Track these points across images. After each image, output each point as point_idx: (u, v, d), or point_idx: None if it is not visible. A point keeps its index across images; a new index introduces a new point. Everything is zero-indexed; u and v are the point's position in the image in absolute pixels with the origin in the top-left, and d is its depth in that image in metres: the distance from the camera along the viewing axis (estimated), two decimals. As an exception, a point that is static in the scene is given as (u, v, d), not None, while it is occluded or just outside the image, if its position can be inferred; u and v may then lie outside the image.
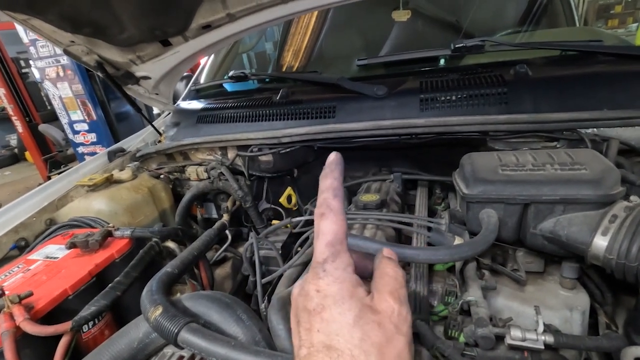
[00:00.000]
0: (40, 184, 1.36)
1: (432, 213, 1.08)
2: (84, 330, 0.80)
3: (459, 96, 1.09)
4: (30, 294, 0.75)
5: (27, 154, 6.15)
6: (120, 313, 0.92)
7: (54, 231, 1.13)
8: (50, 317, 0.78)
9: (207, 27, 1.13)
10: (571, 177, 0.70)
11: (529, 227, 0.75)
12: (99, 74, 1.31)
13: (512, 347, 0.63)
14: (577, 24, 1.96)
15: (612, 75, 1.02)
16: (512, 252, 0.86)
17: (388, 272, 0.42)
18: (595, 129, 0.95)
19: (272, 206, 1.48)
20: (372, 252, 0.71)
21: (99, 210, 1.22)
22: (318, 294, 0.37)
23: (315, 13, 1.88)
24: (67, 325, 0.72)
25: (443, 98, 1.11)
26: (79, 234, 0.98)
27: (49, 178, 4.90)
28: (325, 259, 0.38)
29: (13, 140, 7.63)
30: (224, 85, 1.71)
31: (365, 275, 0.44)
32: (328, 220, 0.39)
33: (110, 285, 0.84)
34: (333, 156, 0.44)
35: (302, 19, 1.90)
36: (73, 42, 1.20)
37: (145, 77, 1.39)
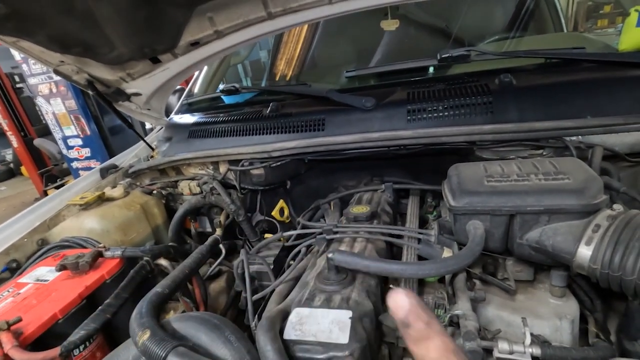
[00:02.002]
0: (36, 199, 1.36)
1: (423, 222, 1.08)
2: (75, 354, 0.80)
3: (446, 106, 1.10)
4: (19, 320, 0.74)
5: (23, 169, 6.12)
6: (112, 334, 0.91)
7: (44, 252, 1.12)
8: (40, 341, 0.77)
9: (195, 44, 1.14)
10: (555, 187, 0.71)
11: (515, 238, 0.76)
12: (90, 92, 1.31)
13: (501, 360, 0.63)
14: (565, 28, 1.98)
15: (595, 82, 1.03)
16: (502, 261, 0.86)
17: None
18: (580, 137, 0.96)
19: (266, 218, 1.48)
20: (361, 268, 0.71)
21: (91, 229, 1.21)
22: None
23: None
24: (55, 352, 0.71)
25: (430, 108, 1.12)
26: (69, 255, 0.98)
27: (45, 192, 4.88)
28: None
29: (8, 155, 7.60)
30: (220, 97, 1.72)
31: None
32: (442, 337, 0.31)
33: (100, 307, 0.84)
34: (406, 300, 0.33)
35: (293, 29, 1.92)
36: (63, 61, 1.21)
37: (136, 94, 1.40)
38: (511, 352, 0.61)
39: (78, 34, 1.05)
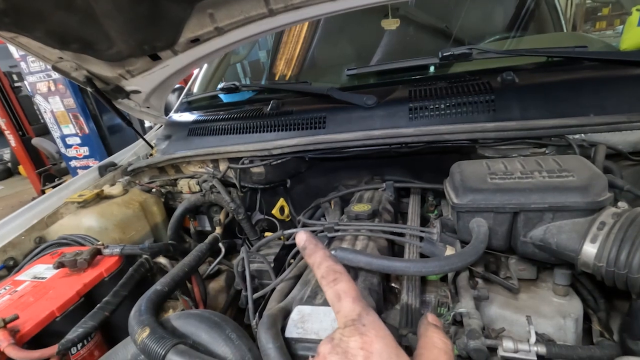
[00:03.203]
0: (34, 198, 1.35)
1: (425, 221, 1.08)
2: (73, 352, 0.79)
3: (448, 104, 1.10)
4: (16, 318, 0.73)
5: (21, 168, 6.10)
6: (111, 332, 0.90)
7: (42, 250, 1.11)
8: (37, 339, 0.76)
9: (195, 41, 1.13)
10: (559, 184, 0.71)
11: (519, 235, 0.75)
12: (89, 89, 1.30)
13: (505, 359, 0.63)
14: (565, 28, 1.98)
15: (598, 81, 1.03)
16: (505, 260, 0.86)
17: (437, 344, 0.41)
18: (582, 135, 0.96)
19: (266, 217, 1.47)
20: (363, 266, 0.70)
21: (89, 227, 1.20)
22: (361, 352, 0.35)
23: (306, 22, 1.89)
24: (53, 350, 0.70)
25: (432, 106, 1.11)
26: (67, 252, 0.97)
27: (43, 192, 4.86)
28: (359, 314, 0.38)
29: (6, 154, 7.58)
30: (218, 96, 1.71)
31: None
32: (343, 281, 0.41)
33: (98, 305, 0.83)
34: (304, 236, 0.47)
35: (293, 27, 1.92)
36: (61, 58, 1.20)
37: (136, 91, 1.39)
38: (516, 351, 0.61)
39: (77, 30, 1.04)
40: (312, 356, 0.46)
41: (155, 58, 1.20)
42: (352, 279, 0.42)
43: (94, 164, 2.25)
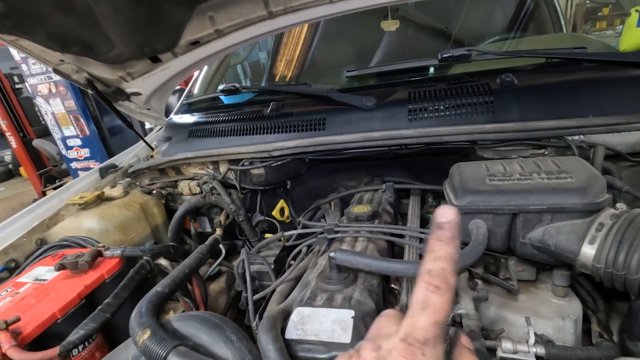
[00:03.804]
0: (35, 200, 1.35)
1: (425, 222, 1.08)
2: (74, 354, 0.79)
3: (447, 106, 1.10)
4: (18, 320, 0.74)
5: (22, 170, 6.10)
6: (112, 334, 0.90)
7: (44, 252, 1.12)
8: (39, 341, 0.77)
9: (195, 43, 1.13)
10: (557, 185, 0.71)
11: (518, 237, 0.75)
12: (90, 91, 1.31)
13: (504, 360, 0.63)
14: (564, 29, 1.99)
15: (597, 82, 1.03)
16: (504, 261, 0.86)
17: None
18: (581, 136, 0.96)
19: (266, 218, 1.47)
20: (363, 267, 0.71)
21: (90, 229, 1.21)
22: None
23: (306, 24, 1.90)
24: (54, 351, 0.71)
25: (431, 108, 1.12)
26: (68, 254, 0.97)
27: (44, 193, 4.86)
28: (427, 340, 0.32)
29: (7, 156, 7.58)
30: (219, 97, 1.71)
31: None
32: (443, 298, 0.33)
33: (99, 307, 0.83)
34: (452, 215, 0.36)
35: (293, 29, 1.92)
36: (62, 60, 1.20)
37: (136, 93, 1.39)
38: (515, 352, 0.61)
39: (77, 33, 1.04)
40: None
41: (156, 60, 1.21)
42: (452, 301, 0.34)
43: (95, 165, 2.26)
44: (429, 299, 0.33)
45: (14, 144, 5.30)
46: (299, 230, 1.08)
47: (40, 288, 0.89)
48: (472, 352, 0.40)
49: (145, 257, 1.02)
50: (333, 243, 0.93)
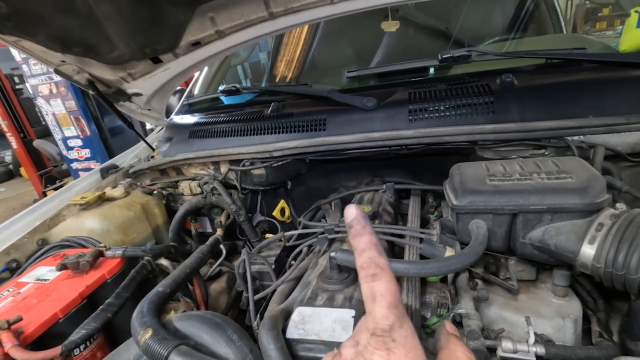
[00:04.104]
0: (35, 200, 1.35)
1: (425, 222, 1.08)
2: (76, 354, 0.79)
3: (447, 106, 1.10)
4: (20, 319, 0.74)
5: (22, 170, 6.11)
6: (113, 334, 0.91)
7: (45, 252, 1.12)
8: (40, 341, 0.77)
9: (196, 44, 1.14)
10: (557, 186, 0.71)
11: (518, 237, 0.75)
12: (91, 92, 1.31)
13: (504, 359, 0.63)
14: (564, 29, 1.99)
15: (597, 83, 1.04)
16: (504, 261, 0.86)
17: (460, 357, 0.39)
18: (581, 136, 0.96)
19: (267, 219, 1.48)
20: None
21: (91, 229, 1.21)
22: None
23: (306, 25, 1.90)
24: (56, 351, 0.71)
25: (431, 108, 1.12)
26: (70, 254, 0.97)
27: (45, 194, 4.87)
28: (392, 325, 0.34)
29: (8, 157, 7.59)
30: (220, 97, 1.72)
31: None
32: (383, 281, 0.35)
33: (101, 307, 0.84)
34: (354, 212, 0.39)
35: (293, 30, 1.92)
36: (64, 61, 1.21)
37: (137, 94, 1.40)
38: (515, 351, 0.61)
39: (79, 34, 1.05)
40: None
41: (157, 61, 1.21)
42: (394, 278, 0.36)
43: (96, 166, 2.26)
44: (373, 289, 0.35)
45: (14, 144, 5.31)
46: (300, 231, 1.08)
47: (41, 288, 0.90)
48: (458, 338, 0.41)
49: (146, 257, 1.02)
50: (334, 243, 0.93)
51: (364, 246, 0.37)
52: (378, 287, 0.35)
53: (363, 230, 0.37)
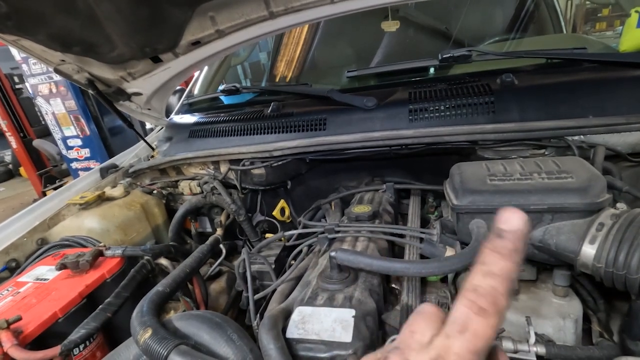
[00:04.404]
0: (35, 200, 1.35)
1: (425, 222, 1.08)
2: (75, 353, 0.79)
3: (447, 106, 1.10)
4: (19, 319, 0.74)
5: (22, 170, 6.10)
6: (113, 333, 0.91)
7: (44, 251, 1.12)
8: (40, 340, 0.77)
9: (196, 44, 1.14)
10: (558, 185, 0.71)
11: (519, 237, 0.75)
12: (90, 91, 1.31)
13: (505, 359, 0.63)
14: (564, 30, 1.99)
15: (597, 83, 1.04)
16: (505, 261, 0.86)
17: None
18: (582, 136, 0.96)
19: (267, 218, 1.48)
20: (363, 267, 0.71)
21: (91, 229, 1.21)
22: None
23: (306, 24, 1.90)
24: (56, 350, 0.71)
25: (431, 108, 1.12)
26: (69, 254, 0.97)
27: (44, 193, 4.86)
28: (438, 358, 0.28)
29: (7, 156, 7.58)
30: (219, 97, 1.72)
31: None
32: (488, 322, 0.28)
33: (100, 306, 0.83)
34: (518, 220, 0.30)
35: (294, 29, 1.92)
36: (63, 60, 1.21)
37: (137, 93, 1.40)
38: (516, 351, 0.61)
39: (79, 33, 1.05)
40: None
41: (157, 60, 1.21)
42: (498, 327, 0.29)
43: (95, 165, 2.26)
44: (470, 321, 0.29)
45: (14, 144, 5.30)
46: (300, 230, 1.08)
47: (41, 287, 0.90)
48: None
49: (146, 257, 1.02)
50: (334, 243, 0.93)
51: (497, 271, 0.29)
52: (478, 323, 0.28)
53: (510, 254, 0.29)
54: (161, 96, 1.47)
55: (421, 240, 0.88)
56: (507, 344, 0.62)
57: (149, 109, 1.52)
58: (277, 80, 1.90)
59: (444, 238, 0.86)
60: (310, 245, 1.03)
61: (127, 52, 1.14)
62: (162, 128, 1.73)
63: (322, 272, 0.77)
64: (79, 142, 4.49)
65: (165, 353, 0.57)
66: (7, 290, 0.91)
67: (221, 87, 1.66)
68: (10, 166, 7.55)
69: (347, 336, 0.59)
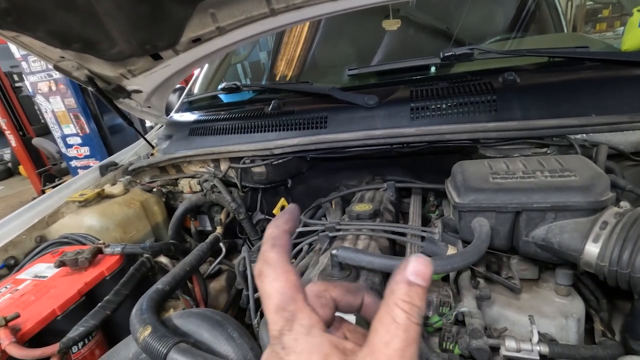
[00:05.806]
0: (34, 198, 1.35)
1: (426, 221, 1.08)
2: (74, 351, 0.78)
3: (449, 104, 1.10)
4: (17, 316, 0.73)
5: (21, 168, 6.09)
6: (112, 331, 0.90)
7: (43, 249, 1.11)
8: (38, 338, 0.76)
9: (197, 41, 1.13)
10: (561, 184, 0.71)
11: (521, 235, 0.75)
12: (90, 88, 1.31)
13: (508, 358, 0.63)
14: (565, 29, 1.99)
15: (599, 81, 1.03)
16: (507, 260, 0.86)
17: (398, 317, 0.28)
18: (584, 135, 0.96)
19: (267, 217, 1.47)
20: (365, 265, 0.70)
21: (90, 226, 1.20)
22: None
23: (307, 22, 1.89)
24: (54, 348, 0.70)
25: (433, 106, 1.11)
26: (68, 251, 0.97)
27: (43, 192, 4.85)
28: (281, 331, 0.29)
29: (6, 155, 7.57)
30: (219, 96, 1.71)
31: (352, 311, 0.37)
32: (268, 279, 0.30)
33: (99, 304, 0.83)
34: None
35: (294, 28, 1.92)
36: (63, 57, 1.20)
37: (137, 91, 1.39)
38: (519, 350, 0.61)
39: (79, 30, 1.04)
40: None
41: (157, 58, 1.20)
42: (285, 272, 0.30)
43: (95, 164, 2.25)
44: (262, 290, 0.31)
45: (13, 142, 5.29)
46: (300, 229, 1.08)
47: (40, 285, 0.89)
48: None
49: (145, 255, 1.02)
50: (335, 241, 0.92)
51: (264, 239, 0.33)
52: (263, 287, 0.30)
53: (274, 221, 0.34)
54: (161, 94, 1.46)
55: (423, 239, 0.88)
56: (510, 343, 0.62)
57: (149, 107, 1.52)
58: (277, 79, 1.90)
59: (446, 236, 0.85)
60: (311, 244, 1.03)
61: (127, 49, 1.14)
62: (162, 126, 1.73)
63: (323, 270, 0.76)
64: (78, 140, 4.48)
65: (165, 351, 0.56)
66: (6, 287, 0.90)
67: (221, 85, 1.65)
68: (10, 164, 7.54)
69: (348, 334, 0.58)
